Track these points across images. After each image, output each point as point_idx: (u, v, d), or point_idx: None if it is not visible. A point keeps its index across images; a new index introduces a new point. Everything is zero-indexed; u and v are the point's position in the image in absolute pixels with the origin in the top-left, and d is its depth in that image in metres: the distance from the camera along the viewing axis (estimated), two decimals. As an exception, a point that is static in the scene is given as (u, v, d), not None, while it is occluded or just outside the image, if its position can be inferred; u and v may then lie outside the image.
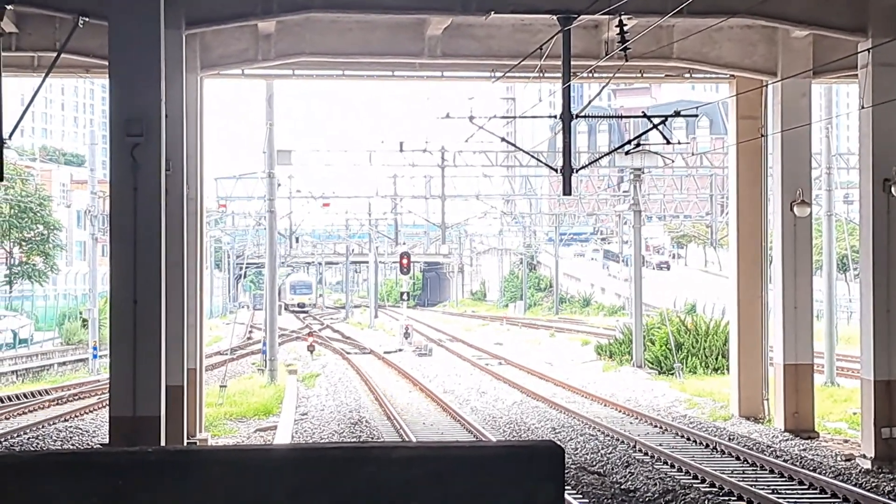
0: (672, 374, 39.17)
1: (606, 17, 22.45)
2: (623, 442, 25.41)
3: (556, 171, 24.56)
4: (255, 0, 22.46)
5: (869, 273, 22.87)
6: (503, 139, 28.49)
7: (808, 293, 26.69)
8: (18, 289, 69.72)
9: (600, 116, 79.61)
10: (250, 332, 73.56)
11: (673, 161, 63.22)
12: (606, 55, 24.81)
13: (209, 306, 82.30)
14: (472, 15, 23.20)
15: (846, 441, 25.70)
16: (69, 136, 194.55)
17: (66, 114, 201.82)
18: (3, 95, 21.26)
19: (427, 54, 25.85)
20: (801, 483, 20.37)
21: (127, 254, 19.11)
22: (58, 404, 34.07)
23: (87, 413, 31.62)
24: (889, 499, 18.63)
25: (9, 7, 21.56)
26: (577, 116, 23.83)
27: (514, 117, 37.23)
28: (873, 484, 20.22)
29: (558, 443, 6.73)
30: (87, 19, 21.38)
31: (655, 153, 49.01)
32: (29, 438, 26.90)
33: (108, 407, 20.74)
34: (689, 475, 21.29)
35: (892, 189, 22.49)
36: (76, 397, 35.52)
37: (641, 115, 25.66)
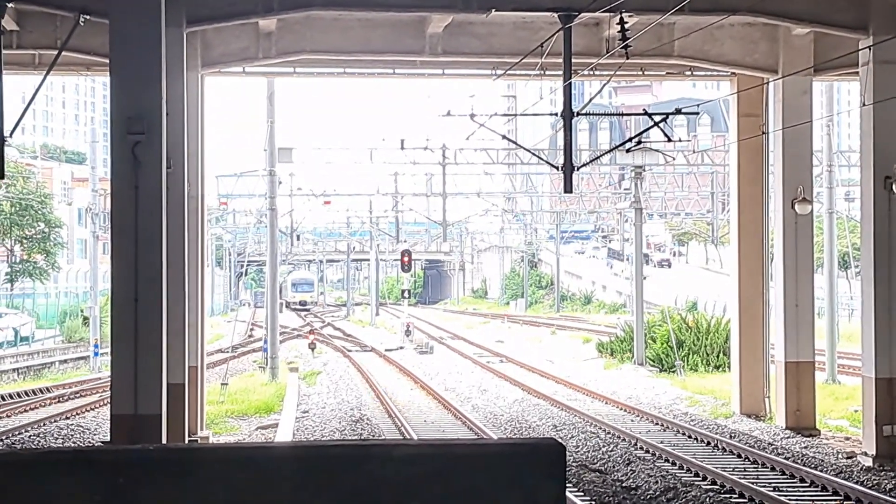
0: (673, 371, 39.18)
1: (607, 14, 22.44)
2: (624, 439, 25.40)
3: (557, 168, 24.55)
4: (256, -2, 22.48)
5: (870, 270, 22.87)
6: (504, 137, 28.45)
7: (810, 291, 26.68)
8: (20, 287, 69.75)
9: (601, 114, 79.18)
10: (251, 329, 73.45)
11: (674, 158, 63.13)
12: (607, 53, 24.81)
13: (210, 304, 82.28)
14: (474, 13, 23.21)
15: (847, 439, 25.70)
16: (70, 134, 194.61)
17: (67, 112, 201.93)
18: (3, 93, 21.28)
19: (428, 52, 25.84)
20: (802, 481, 20.37)
21: (128, 251, 19.10)
22: (59, 402, 34.05)
23: (88, 411, 31.60)
24: (890, 496, 18.60)
25: (10, 5, 21.57)
26: (579, 114, 23.82)
27: (516, 115, 37.29)
28: (874, 481, 20.21)
29: (560, 440, 6.72)
30: (88, 17, 21.40)
31: (656, 151, 49.06)
32: (30, 436, 26.92)
33: (109, 405, 20.73)
34: (691, 473, 21.28)
35: (893, 186, 22.48)
36: (77, 395, 35.50)
37: (642, 112, 25.63)
